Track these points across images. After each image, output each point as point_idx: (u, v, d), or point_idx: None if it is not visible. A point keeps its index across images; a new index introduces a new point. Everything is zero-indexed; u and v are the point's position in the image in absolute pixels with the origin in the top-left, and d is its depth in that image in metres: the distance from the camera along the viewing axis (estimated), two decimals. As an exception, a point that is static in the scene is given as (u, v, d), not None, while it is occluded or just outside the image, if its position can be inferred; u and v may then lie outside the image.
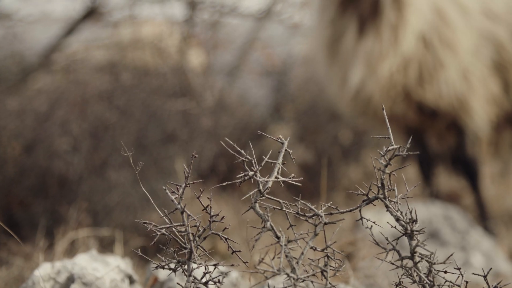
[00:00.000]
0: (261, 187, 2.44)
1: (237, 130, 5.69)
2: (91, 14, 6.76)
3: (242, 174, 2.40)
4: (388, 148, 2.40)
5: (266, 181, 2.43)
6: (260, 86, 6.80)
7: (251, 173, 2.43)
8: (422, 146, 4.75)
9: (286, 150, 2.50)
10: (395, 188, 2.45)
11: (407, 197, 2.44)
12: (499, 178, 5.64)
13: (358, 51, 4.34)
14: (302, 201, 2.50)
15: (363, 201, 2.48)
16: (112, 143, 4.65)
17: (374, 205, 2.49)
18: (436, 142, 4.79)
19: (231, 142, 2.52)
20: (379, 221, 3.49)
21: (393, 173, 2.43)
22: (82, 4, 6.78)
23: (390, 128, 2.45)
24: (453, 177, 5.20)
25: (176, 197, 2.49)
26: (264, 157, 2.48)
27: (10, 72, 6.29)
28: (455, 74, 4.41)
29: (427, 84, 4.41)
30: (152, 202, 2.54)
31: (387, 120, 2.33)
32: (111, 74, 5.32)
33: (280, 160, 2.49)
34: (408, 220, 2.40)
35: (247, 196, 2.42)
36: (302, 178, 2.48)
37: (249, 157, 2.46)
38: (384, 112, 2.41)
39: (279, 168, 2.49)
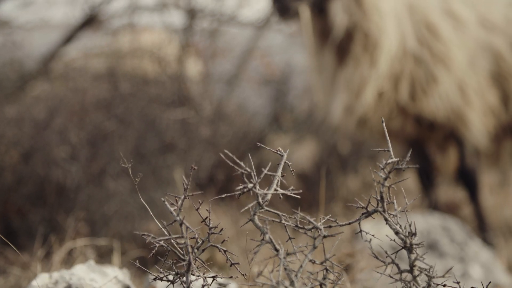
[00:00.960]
0: (260, 200, 2.44)
1: (236, 139, 5.68)
2: (90, 21, 6.76)
3: (241, 187, 2.40)
4: (388, 162, 2.40)
5: (265, 194, 2.43)
6: (259, 95, 6.81)
7: (250, 185, 2.42)
8: (421, 156, 4.75)
9: (285, 162, 2.50)
10: (395, 201, 2.45)
11: (406, 210, 2.43)
12: (498, 188, 5.64)
13: (339, 80, 4.38)
14: (301, 214, 2.50)
15: (362, 214, 2.47)
16: (110, 151, 4.65)
17: (373, 218, 2.48)
18: (435, 153, 4.79)
19: (230, 154, 2.51)
20: (378, 232, 3.49)
21: (392, 186, 2.43)
22: (81, 11, 6.78)
23: (389, 141, 2.44)
24: (452, 187, 5.20)
25: (175, 209, 2.48)
26: (263, 170, 2.47)
27: (8, 79, 6.28)
28: (450, 87, 4.41)
29: (421, 98, 4.41)
30: (151, 213, 2.53)
31: (387, 134, 2.33)
32: (109, 82, 5.31)
33: (279, 173, 2.49)
34: (407, 234, 2.39)
35: (246, 208, 2.41)
36: (301, 191, 2.47)
37: (248, 169, 2.45)
38: (384, 125, 2.41)
39: (278, 181, 2.48)
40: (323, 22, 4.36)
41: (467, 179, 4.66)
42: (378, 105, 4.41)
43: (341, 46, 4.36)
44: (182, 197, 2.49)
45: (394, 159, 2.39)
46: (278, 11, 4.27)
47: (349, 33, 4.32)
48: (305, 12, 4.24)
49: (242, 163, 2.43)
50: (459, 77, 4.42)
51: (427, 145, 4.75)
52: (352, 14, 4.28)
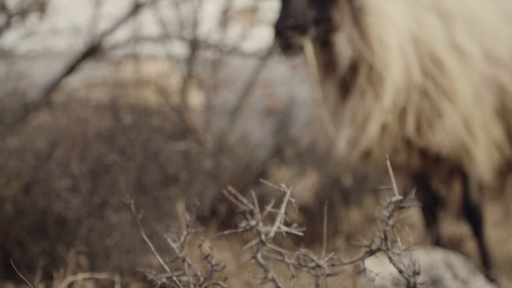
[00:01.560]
0: (263, 237, 2.42)
1: (238, 171, 5.67)
2: (93, 51, 6.77)
3: (244, 224, 2.38)
4: (391, 201, 2.39)
5: (268, 232, 2.41)
6: (262, 126, 6.80)
7: (253, 223, 2.41)
8: (425, 190, 4.73)
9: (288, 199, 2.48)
10: (398, 239, 2.43)
11: (410, 248, 2.42)
12: (502, 223, 5.61)
13: (343, 113, 4.38)
14: (304, 250, 2.49)
15: (366, 252, 2.46)
16: (112, 183, 4.63)
17: (376, 256, 2.47)
18: (439, 187, 4.77)
19: (232, 190, 2.50)
20: (381, 266, 3.46)
21: (396, 225, 2.42)
22: (84, 40, 6.79)
23: (393, 179, 2.43)
24: (455, 221, 5.17)
25: (177, 246, 2.47)
26: (266, 206, 2.46)
27: (11, 109, 6.28)
28: (455, 121, 4.39)
29: (427, 132, 4.40)
30: (153, 249, 2.52)
31: (391, 171, 2.32)
32: (112, 113, 5.30)
33: (282, 210, 2.48)
34: (411, 273, 2.38)
35: (249, 245, 2.40)
36: (304, 228, 2.45)
37: (251, 206, 2.44)
38: (388, 163, 2.40)
39: (281, 218, 2.47)
40: (327, 54, 4.35)
41: (471, 214, 4.63)
42: (383, 138, 4.40)
43: (345, 78, 4.36)
44: (185, 234, 2.48)
45: (398, 198, 2.38)
46: (281, 47, 4.27)
47: (354, 66, 4.32)
48: (308, 46, 4.23)
49: (244, 199, 2.42)
50: (464, 111, 4.41)
51: (431, 179, 4.74)
52: (356, 46, 4.28)
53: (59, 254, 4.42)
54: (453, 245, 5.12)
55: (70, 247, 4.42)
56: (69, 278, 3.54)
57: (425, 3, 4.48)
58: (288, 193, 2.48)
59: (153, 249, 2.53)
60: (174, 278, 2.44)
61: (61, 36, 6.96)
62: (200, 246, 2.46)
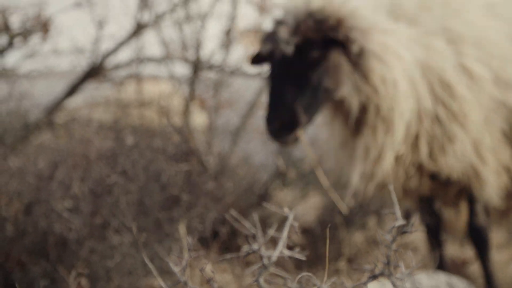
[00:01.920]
0: (265, 261, 2.41)
1: (241, 192, 5.65)
2: (95, 71, 6.78)
3: (246, 249, 2.37)
4: (395, 226, 2.37)
5: (271, 256, 2.40)
6: (264, 147, 6.79)
7: (255, 247, 2.39)
8: (429, 212, 4.71)
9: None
10: (401, 264, 2.42)
11: (413, 273, 2.41)
12: (506, 245, 5.59)
13: (355, 149, 4.36)
14: (306, 274, 2.47)
15: (369, 277, 2.45)
16: (113, 204, 4.62)
17: (379, 281, 2.46)
18: (445, 209, 4.76)
19: (234, 214, 2.49)
20: (383, 290, 3.43)
21: (399, 249, 2.41)
22: (87, 60, 6.81)
23: (396, 203, 2.43)
24: (459, 244, 5.16)
25: (179, 269, 2.45)
26: (268, 230, 2.45)
27: (14, 128, 6.28)
28: (466, 145, 4.38)
29: (439, 157, 4.38)
30: (154, 272, 2.51)
31: (394, 196, 2.31)
32: (114, 133, 5.30)
33: (285, 234, 2.46)
34: (414, 299, 2.36)
35: (251, 270, 2.39)
36: (307, 253, 2.44)
37: (253, 230, 2.43)
38: (392, 188, 2.39)
39: (284, 242, 2.46)
40: (335, 102, 4.34)
41: (477, 236, 4.61)
42: (397, 168, 4.39)
43: (355, 118, 4.35)
44: (187, 257, 2.46)
45: (401, 223, 2.37)
46: (275, 142, 4.28)
47: (363, 107, 4.30)
48: (302, 137, 4.21)
49: (246, 221, 2.41)
50: (474, 134, 4.39)
51: (437, 202, 4.72)
52: (361, 91, 4.25)
53: (60, 275, 4.41)
54: (456, 268, 5.10)
55: (71, 268, 4.40)
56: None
57: (433, 27, 4.46)
58: (291, 217, 2.47)
59: (154, 272, 2.52)
60: (176, 302, 2.42)
61: (63, 56, 6.99)
62: (202, 270, 2.45)
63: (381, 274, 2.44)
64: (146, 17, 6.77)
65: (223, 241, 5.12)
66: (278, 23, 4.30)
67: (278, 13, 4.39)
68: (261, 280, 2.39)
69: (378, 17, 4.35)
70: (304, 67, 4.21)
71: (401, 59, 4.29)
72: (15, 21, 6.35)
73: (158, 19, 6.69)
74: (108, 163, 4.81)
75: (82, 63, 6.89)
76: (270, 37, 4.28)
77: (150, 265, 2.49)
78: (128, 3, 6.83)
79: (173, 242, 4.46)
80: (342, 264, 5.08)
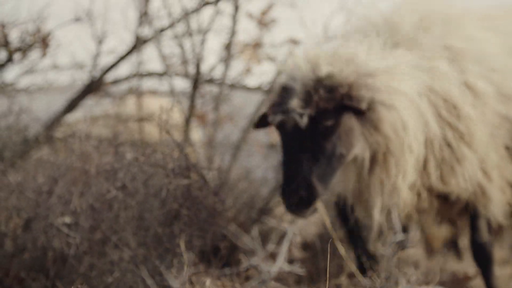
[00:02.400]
0: (265, 276, 2.39)
1: (241, 206, 5.64)
2: (95, 85, 6.78)
3: (246, 264, 2.36)
4: (395, 241, 2.36)
5: (270, 271, 2.38)
6: (265, 161, 6.78)
7: (254, 262, 2.38)
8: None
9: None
10: (402, 278, 2.41)
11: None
12: (507, 261, 5.58)
13: (370, 188, 4.34)
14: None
15: (370, 292, 2.43)
16: (113, 219, 4.60)
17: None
18: (449, 225, 4.76)
19: (234, 229, 2.47)
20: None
21: (399, 264, 2.39)
22: (87, 75, 6.81)
23: (397, 219, 2.42)
24: (460, 259, 5.14)
25: (179, 285, 2.44)
26: (268, 245, 2.44)
27: (13, 143, 6.27)
28: (473, 165, 4.38)
29: (448, 178, 4.38)
30: (153, 288, 2.49)
31: (395, 213, 2.30)
32: (113, 148, 5.28)
33: (284, 249, 2.45)
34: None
35: (251, 285, 2.37)
36: (304, 270, 2.42)
37: (253, 245, 2.41)
38: (396, 213, 2.39)
39: (284, 257, 2.44)
40: None
41: (480, 253, 4.59)
42: (413, 196, 4.38)
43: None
44: (186, 273, 2.45)
45: (402, 238, 2.36)
46: (294, 216, 4.26)
47: (374, 151, 4.29)
48: (321, 209, 4.20)
49: (246, 236, 2.40)
50: (480, 153, 4.39)
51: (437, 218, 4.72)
52: (373, 142, 4.24)
53: (60, 292, 4.39)
54: (458, 283, 5.08)
55: (71, 284, 4.38)
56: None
57: (433, 47, 4.45)
58: (291, 232, 2.45)
59: (154, 287, 2.50)
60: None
61: (63, 71, 6.98)
62: (202, 285, 2.43)
63: (382, 289, 2.43)
64: (146, 31, 6.77)
65: (223, 256, 5.10)
66: (286, 91, 4.27)
67: (283, 78, 4.35)
68: (261, 296, 2.38)
69: (379, 58, 4.32)
70: (317, 135, 4.18)
71: (407, 96, 4.27)
72: (14, 36, 6.35)
73: (158, 34, 6.69)
74: (108, 178, 4.80)
75: (82, 78, 6.89)
76: (279, 107, 4.24)
77: (149, 281, 2.47)
78: (128, 17, 6.84)
79: (173, 257, 4.43)
80: (343, 279, 5.06)
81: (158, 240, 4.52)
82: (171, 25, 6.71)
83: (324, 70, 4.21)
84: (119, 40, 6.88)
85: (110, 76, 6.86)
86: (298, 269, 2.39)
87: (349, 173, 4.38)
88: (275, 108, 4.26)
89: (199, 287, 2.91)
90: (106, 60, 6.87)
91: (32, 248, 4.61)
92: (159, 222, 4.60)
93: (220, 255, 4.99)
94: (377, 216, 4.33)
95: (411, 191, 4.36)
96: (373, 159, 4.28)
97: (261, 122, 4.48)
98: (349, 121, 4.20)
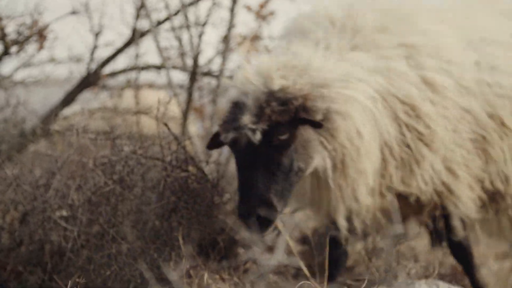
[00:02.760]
0: (263, 269, 2.38)
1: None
2: (92, 78, 6.77)
3: (244, 258, 2.35)
4: (394, 234, 2.35)
5: (269, 264, 2.37)
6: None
7: (253, 255, 2.37)
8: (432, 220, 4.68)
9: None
10: (402, 272, 2.40)
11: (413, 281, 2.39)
12: (506, 256, 5.57)
13: (330, 193, 4.27)
14: (306, 282, 2.46)
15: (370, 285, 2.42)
16: (111, 212, 4.59)
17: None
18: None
19: (232, 225, 2.46)
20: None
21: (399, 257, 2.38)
22: (84, 68, 6.80)
23: (397, 213, 2.41)
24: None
25: (177, 278, 2.43)
26: (265, 240, 2.43)
27: (10, 135, 6.26)
28: (436, 164, 4.35)
29: (408, 180, 4.33)
30: (152, 282, 2.48)
31: (395, 205, 2.29)
32: (111, 140, 5.27)
33: (283, 242, 2.44)
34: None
35: (249, 278, 2.36)
36: (303, 268, 2.42)
37: (252, 238, 2.41)
38: (395, 203, 2.38)
39: (282, 250, 2.44)
40: None
41: (458, 252, 4.57)
42: (377, 199, 4.33)
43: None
44: (184, 266, 2.44)
45: (401, 232, 2.35)
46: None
47: (333, 160, 4.22)
48: (281, 227, 4.02)
49: (245, 230, 2.39)
50: (443, 152, 4.35)
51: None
52: (331, 150, 4.16)
53: (58, 285, 4.38)
54: (457, 277, 5.07)
55: (68, 277, 4.37)
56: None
57: (390, 46, 4.40)
58: (286, 236, 2.44)
59: (152, 281, 2.48)
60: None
61: (60, 64, 6.97)
62: (200, 278, 2.42)
63: (381, 281, 2.42)
64: (144, 24, 6.76)
65: (221, 249, 5.08)
66: (238, 106, 4.13)
67: (234, 94, 4.20)
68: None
69: (334, 65, 4.27)
70: (273, 150, 4.04)
71: (361, 103, 4.20)
72: (11, 29, 6.33)
73: (155, 26, 6.67)
74: (105, 171, 4.78)
75: (79, 71, 6.88)
76: (231, 124, 4.10)
77: (147, 274, 2.46)
78: (126, 10, 6.83)
79: (171, 250, 4.42)
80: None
81: (156, 234, 4.51)
82: (169, 18, 6.71)
83: (276, 83, 4.10)
84: (116, 33, 6.87)
85: (107, 69, 6.86)
86: (296, 262, 2.38)
87: (306, 182, 4.29)
88: (227, 126, 4.12)
89: (198, 280, 2.90)
90: (103, 53, 6.86)
91: (29, 241, 4.60)
92: (157, 215, 4.59)
93: (218, 248, 4.98)
94: (342, 221, 4.23)
95: (372, 195, 4.29)
96: (333, 167, 4.20)
97: (214, 141, 4.34)
98: (306, 133, 4.10)
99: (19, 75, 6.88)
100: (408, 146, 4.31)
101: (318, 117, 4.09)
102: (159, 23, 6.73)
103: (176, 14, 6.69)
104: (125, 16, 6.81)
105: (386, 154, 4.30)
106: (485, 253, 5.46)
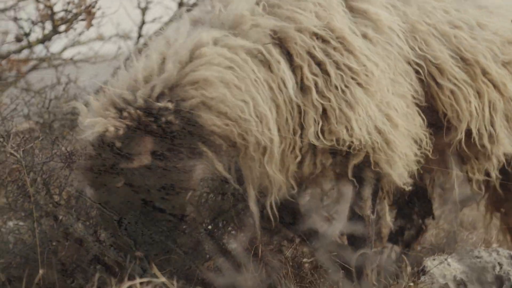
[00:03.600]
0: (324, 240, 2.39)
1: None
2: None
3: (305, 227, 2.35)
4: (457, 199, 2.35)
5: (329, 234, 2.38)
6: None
7: (314, 225, 2.38)
8: None
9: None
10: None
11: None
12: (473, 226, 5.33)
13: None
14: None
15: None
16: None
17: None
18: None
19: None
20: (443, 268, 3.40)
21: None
22: (132, 43, 6.84)
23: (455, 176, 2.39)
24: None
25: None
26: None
27: (62, 113, 6.31)
28: (369, 110, 3.93)
29: (336, 127, 3.90)
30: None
31: (455, 184, 2.28)
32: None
33: (345, 209, 2.44)
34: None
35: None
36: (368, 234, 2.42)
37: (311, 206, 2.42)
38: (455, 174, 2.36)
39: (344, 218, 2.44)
40: None
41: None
42: (284, 157, 3.91)
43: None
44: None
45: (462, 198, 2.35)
46: None
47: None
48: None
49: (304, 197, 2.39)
50: (380, 99, 3.97)
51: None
52: (217, 147, 3.90)
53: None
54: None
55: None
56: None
57: None
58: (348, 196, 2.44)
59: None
60: None
61: (108, 41, 7.02)
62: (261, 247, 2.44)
63: (442, 249, 2.43)
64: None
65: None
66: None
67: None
68: None
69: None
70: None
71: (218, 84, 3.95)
72: (59, 8, 6.37)
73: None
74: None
75: (128, 47, 6.92)
76: None
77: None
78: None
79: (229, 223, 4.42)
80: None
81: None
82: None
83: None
84: (163, 7, 6.88)
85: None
86: (357, 229, 2.39)
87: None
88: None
89: (258, 252, 2.86)
90: (151, 28, 6.89)
91: (85, 218, 4.62)
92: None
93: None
94: (253, 207, 3.78)
95: (284, 165, 3.88)
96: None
97: None
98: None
99: (69, 53, 6.93)
100: (336, 88, 3.92)
101: (180, 125, 3.95)
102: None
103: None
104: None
105: (302, 103, 3.92)
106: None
